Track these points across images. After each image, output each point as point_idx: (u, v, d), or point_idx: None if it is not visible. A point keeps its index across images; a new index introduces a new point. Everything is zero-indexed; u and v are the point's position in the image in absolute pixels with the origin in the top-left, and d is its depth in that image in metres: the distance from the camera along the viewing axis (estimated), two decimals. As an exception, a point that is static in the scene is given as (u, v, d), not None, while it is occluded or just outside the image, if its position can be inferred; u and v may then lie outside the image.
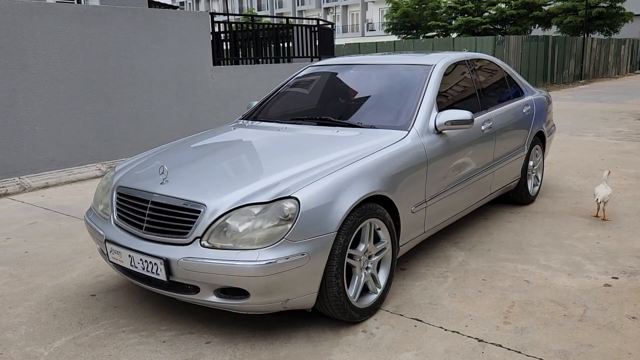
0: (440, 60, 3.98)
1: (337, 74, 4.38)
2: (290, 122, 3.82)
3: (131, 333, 2.90)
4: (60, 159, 6.77)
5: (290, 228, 2.54)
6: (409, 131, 3.39)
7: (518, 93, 4.91)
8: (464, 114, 3.47)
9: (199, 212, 2.64)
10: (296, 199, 2.59)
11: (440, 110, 3.64)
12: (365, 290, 3.01)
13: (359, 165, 2.93)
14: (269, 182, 2.73)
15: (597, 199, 4.55)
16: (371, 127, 3.49)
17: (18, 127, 6.37)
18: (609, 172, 4.69)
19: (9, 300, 3.33)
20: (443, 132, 3.56)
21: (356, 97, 4.06)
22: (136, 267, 2.78)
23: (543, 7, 29.44)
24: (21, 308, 3.22)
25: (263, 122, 3.99)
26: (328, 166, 2.87)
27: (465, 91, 4.19)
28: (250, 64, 9.69)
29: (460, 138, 3.73)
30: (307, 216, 2.58)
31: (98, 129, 7.12)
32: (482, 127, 4.03)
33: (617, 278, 3.46)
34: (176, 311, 3.12)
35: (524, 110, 4.80)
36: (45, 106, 6.57)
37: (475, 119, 3.71)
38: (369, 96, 3.98)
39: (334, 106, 4.08)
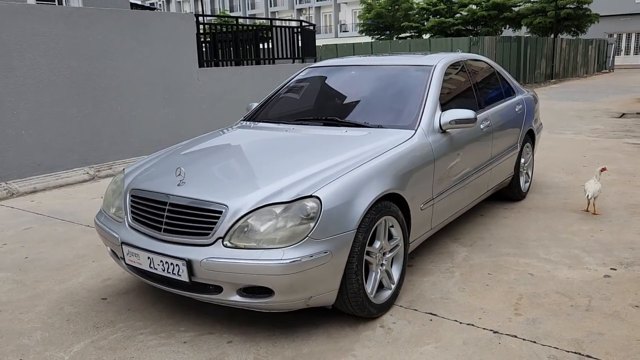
0: (439, 61, 4.07)
1: (338, 75, 4.43)
2: (295, 123, 3.86)
3: (150, 335, 2.90)
4: (47, 164, 6.66)
5: (314, 227, 2.58)
6: (416, 130, 3.47)
7: (510, 92, 5.05)
8: (468, 113, 3.57)
9: (220, 212, 2.66)
10: (318, 198, 2.64)
11: (442, 109, 3.73)
12: (380, 287, 3.07)
13: (373, 164, 2.99)
14: (288, 182, 2.76)
15: (587, 195, 4.71)
16: (378, 126, 3.55)
17: (4, 131, 6.24)
18: (603, 169, 4.83)
19: (19, 306, 3.29)
20: (447, 131, 3.65)
21: (360, 97, 4.12)
22: (156, 269, 2.78)
23: (513, 8, 30.07)
24: (32, 314, 3.19)
25: (268, 123, 4.01)
26: (344, 165, 2.93)
27: (464, 91, 4.30)
28: (233, 65, 9.66)
29: (462, 137, 3.83)
30: (329, 214, 2.63)
31: (85, 133, 7.02)
32: (481, 126, 4.14)
33: (615, 269, 3.60)
34: (192, 312, 3.13)
35: (517, 109, 4.94)
36: (31, 110, 6.45)
37: (476, 117, 3.81)
38: (372, 96, 4.03)
39: (338, 107, 4.13)
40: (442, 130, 3.61)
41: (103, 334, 2.93)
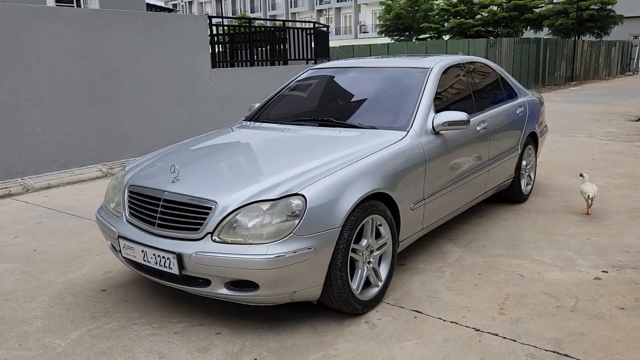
0: (437, 64, 4.13)
1: (337, 77, 4.52)
2: (293, 123, 3.95)
3: (143, 325, 3.03)
4: (62, 160, 6.88)
5: (298, 223, 2.68)
6: (408, 132, 3.54)
7: (511, 95, 5.07)
8: (461, 115, 3.62)
9: (210, 208, 2.77)
10: (303, 196, 2.73)
11: (437, 111, 3.79)
12: (367, 284, 3.15)
13: (361, 164, 3.07)
14: (277, 180, 2.86)
15: (588, 195, 4.72)
16: (372, 127, 3.63)
17: (21, 129, 6.47)
18: (582, 175, 5.02)
19: (23, 296, 3.45)
20: (440, 132, 3.71)
21: (356, 99, 4.20)
22: (149, 262, 2.91)
23: (534, 9, 29.76)
24: (35, 303, 3.34)
25: (267, 123, 4.12)
26: (332, 165, 3.01)
27: (461, 93, 4.35)
28: (246, 66, 9.81)
29: (457, 138, 3.89)
30: (314, 212, 2.72)
31: (99, 131, 7.23)
32: (478, 128, 4.18)
33: (606, 272, 3.62)
34: (185, 305, 3.25)
35: (517, 112, 4.96)
36: (47, 108, 6.68)
37: (471, 120, 3.86)
38: (368, 98, 4.11)
39: (335, 108, 4.22)
40: (435, 132, 3.67)
41: (99, 323, 3.06)
